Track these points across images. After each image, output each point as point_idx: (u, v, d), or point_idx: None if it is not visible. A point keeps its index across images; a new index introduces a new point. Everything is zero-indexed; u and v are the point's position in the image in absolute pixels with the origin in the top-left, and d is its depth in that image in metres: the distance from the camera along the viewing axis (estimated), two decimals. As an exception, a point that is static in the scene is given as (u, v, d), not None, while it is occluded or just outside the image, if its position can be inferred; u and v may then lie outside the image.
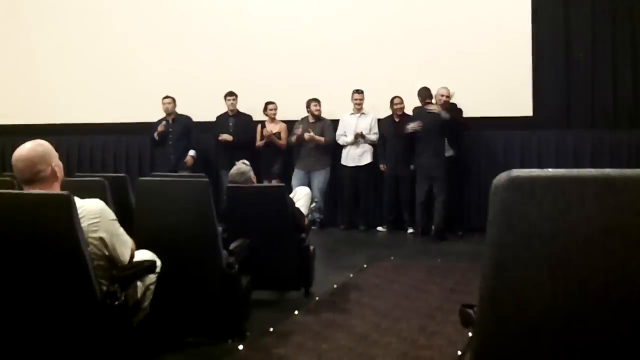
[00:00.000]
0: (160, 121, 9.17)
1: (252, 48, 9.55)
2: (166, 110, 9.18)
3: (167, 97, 9.22)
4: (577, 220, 1.44)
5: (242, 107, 9.30)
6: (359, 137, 8.69)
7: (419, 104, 8.33)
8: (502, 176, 1.47)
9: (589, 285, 1.46)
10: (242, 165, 5.35)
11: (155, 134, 9.10)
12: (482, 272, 1.54)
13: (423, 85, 8.28)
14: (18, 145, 3.08)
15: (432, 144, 8.01)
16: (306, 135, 8.76)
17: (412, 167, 8.42)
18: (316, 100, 8.92)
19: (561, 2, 8.43)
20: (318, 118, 8.97)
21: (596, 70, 8.31)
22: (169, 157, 9.10)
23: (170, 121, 9.19)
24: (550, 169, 1.47)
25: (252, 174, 5.35)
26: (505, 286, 1.50)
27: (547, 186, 1.45)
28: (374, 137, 8.80)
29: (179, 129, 9.16)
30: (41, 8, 10.49)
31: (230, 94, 9.21)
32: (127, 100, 9.98)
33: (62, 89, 10.30)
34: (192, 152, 9.14)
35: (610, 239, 1.44)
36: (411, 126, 8.09)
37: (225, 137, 9.01)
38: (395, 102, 8.65)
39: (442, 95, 8.13)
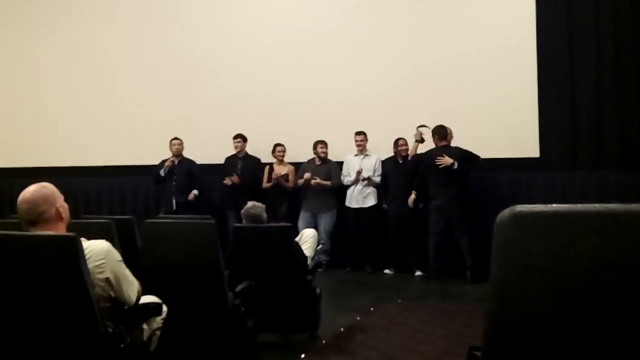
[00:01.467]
0: (164, 161, 9.24)
1: (260, 91, 9.66)
2: (176, 152, 9.28)
3: (176, 138, 9.32)
4: (580, 254, 1.45)
5: (250, 149, 9.36)
6: (359, 176, 8.72)
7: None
8: (506, 212, 1.49)
9: (594, 320, 1.46)
10: (256, 204, 5.39)
11: (162, 171, 9.17)
12: (486, 308, 1.55)
13: (440, 124, 8.31)
14: (25, 187, 3.11)
15: (451, 184, 8.06)
16: (313, 182, 8.80)
17: (420, 206, 8.44)
18: (322, 142, 8.99)
19: (566, 43, 8.48)
20: (324, 160, 9.02)
21: (602, 111, 8.33)
22: (171, 197, 9.16)
23: (176, 162, 9.26)
24: (554, 204, 1.48)
25: (265, 214, 5.37)
26: (510, 321, 1.51)
27: (550, 220, 1.46)
28: (377, 178, 8.83)
29: (183, 170, 9.24)
30: (50, 49, 10.66)
31: (237, 136, 9.30)
32: (133, 142, 10.11)
33: (68, 131, 10.46)
34: (195, 191, 9.23)
35: (613, 273, 1.44)
36: (446, 160, 8.08)
37: (233, 178, 9.04)
38: (400, 144, 8.70)
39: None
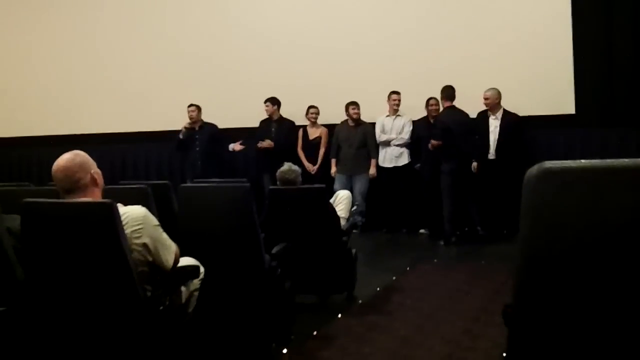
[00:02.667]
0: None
1: (290, 52, 9.66)
2: (191, 118, 9.30)
3: (191, 105, 9.34)
4: (610, 210, 1.44)
5: (284, 112, 9.37)
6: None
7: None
8: (534, 168, 1.48)
9: (623, 277, 1.46)
10: (293, 165, 5.43)
11: (180, 134, 9.25)
12: (516, 265, 1.56)
13: (448, 84, 8.30)
14: (58, 156, 3.16)
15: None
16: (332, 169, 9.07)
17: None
18: (354, 103, 8.94)
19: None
20: (357, 122, 8.99)
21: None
22: (196, 163, 9.22)
23: (197, 128, 9.30)
24: (582, 160, 1.47)
25: (300, 178, 5.41)
26: (538, 278, 1.51)
27: (579, 176, 1.46)
28: (405, 135, 8.85)
29: (206, 136, 9.28)
30: (77, 18, 10.77)
31: (267, 100, 9.29)
32: (157, 108, 10.18)
33: (91, 99, 10.60)
34: (236, 145, 9.28)
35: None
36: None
37: (266, 143, 9.07)
38: (431, 103, 8.64)
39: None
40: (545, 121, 8.45)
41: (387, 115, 8.96)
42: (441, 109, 8.44)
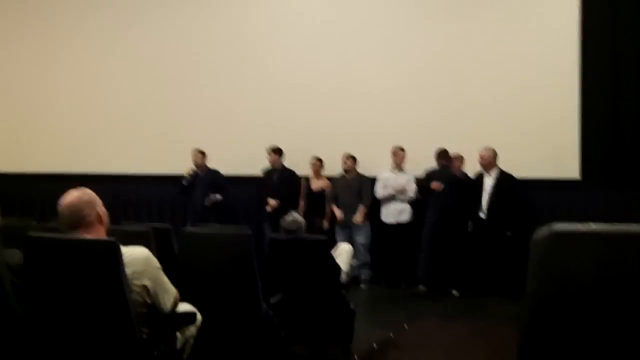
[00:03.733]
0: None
1: (295, 102, 9.76)
2: (195, 163, 9.35)
3: (197, 149, 9.40)
4: (618, 274, 1.45)
5: (287, 162, 9.42)
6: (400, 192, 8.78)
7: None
8: (544, 229, 1.49)
9: (628, 340, 1.45)
10: (297, 215, 5.42)
11: (184, 180, 9.30)
12: (520, 324, 1.55)
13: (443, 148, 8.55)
14: (61, 193, 3.20)
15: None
16: (337, 213, 9.01)
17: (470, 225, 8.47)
18: (348, 156, 9.05)
19: (609, 57, 8.40)
20: (355, 174, 9.06)
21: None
22: (196, 207, 9.25)
23: (200, 173, 9.36)
24: (592, 224, 1.48)
25: (304, 227, 5.40)
26: (545, 339, 1.50)
27: (589, 240, 1.46)
28: (411, 193, 8.82)
29: (207, 180, 9.32)
30: (85, 63, 10.88)
31: (269, 149, 9.34)
32: (163, 151, 10.26)
33: (96, 139, 10.69)
34: (217, 195, 9.27)
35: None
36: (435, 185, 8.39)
37: (273, 203, 9.11)
38: (459, 159, 8.77)
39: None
40: (548, 184, 8.45)
41: (390, 171, 8.97)
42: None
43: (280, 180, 9.29)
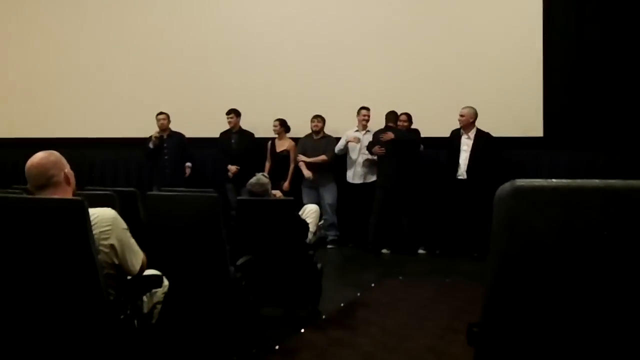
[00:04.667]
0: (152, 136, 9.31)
1: (255, 62, 9.71)
2: (161, 127, 9.30)
3: (161, 113, 9.35)
4: (580, 229, 1.47)
5: (245, 123, 9.41)
6: (355, 142, 8.77)
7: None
8: (506, 186, 1.50)
9: (593, 295, 1.48)
10: (262, 177, 5.40)
11: (151, 143, 9.22)
12: (485, 282, 1.56)
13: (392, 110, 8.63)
14: (25, 159, 3.18)
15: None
16: (301, 160, 8.97)
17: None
18: (317, 116, 9.04)
19: (573, 15, 8.44)
20: (322, 135, 9.06)
21: (608, 87, 8.29)
22: (165, 171, 9.23)
23: (165, 137, 9.32)
24: (554, 180, 1.49)
25: (270, 188, 5.39)
26: (509, 297, 1.52)
27: (551, 195, 1.47)
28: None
29: (174, 144, 9.31)
30: (56, 22, 10.70)
31: (229, 111, 9.31)
32: (124, 115, 10.18)
33: (59, 103, 10.59)
34: (188, 164, 9.35)
35: (614, 248, 1.46)
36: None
37: (234, 169, 9.16)
38: (402, 119, 8.64)
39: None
40: (514, 142, 8.52)
41: (356, 130, 8.96)
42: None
43: (239, 143, 9.30)
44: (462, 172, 8.25)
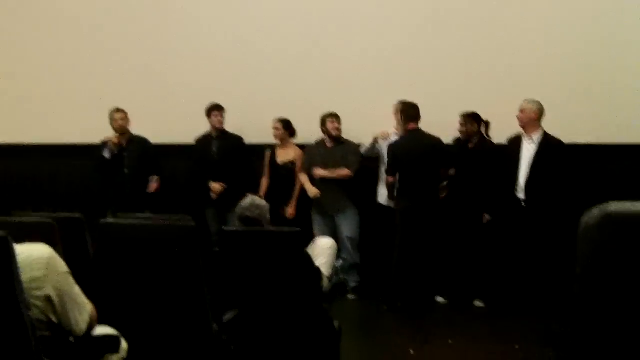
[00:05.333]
0: (106, 142, 9.19)
1: (245, 48, 9.78)
2: (118, 129, 9.19)
3: (118, 110, 9.24)
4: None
5: (231, 126, 9.45)
6: (384, 137, 8.76)
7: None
8: (595, 211, 1.51)
9: None
10: (257, 199, 5.42)
11: (106, 151, 9.11)
12: (565, 322, 1.57)
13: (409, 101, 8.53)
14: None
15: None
16: (319, 174, 8.87)
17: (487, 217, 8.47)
18: (333, 116, 8.93)
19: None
20: (338, 140, 8.99)
21: None
22: (123, 190, 9.16)
23: (124, 143, 9.23)
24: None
25: (268, 216, 5.40)
26: (603, 354, 1.53)
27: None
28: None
29: (136, 154, 9.20)
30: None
31: (214, 108, 9.30)
32: (65, 114, 10.23)
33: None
34: (155, 177, 9.24)
35: None
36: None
37: (216, 188, 9.13)
38: (460, 122, 8.62)
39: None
40: (599, 151, 8.55)
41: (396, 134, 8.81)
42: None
43: (222, 151, 9.29)
44: (520, 189, 8.18)
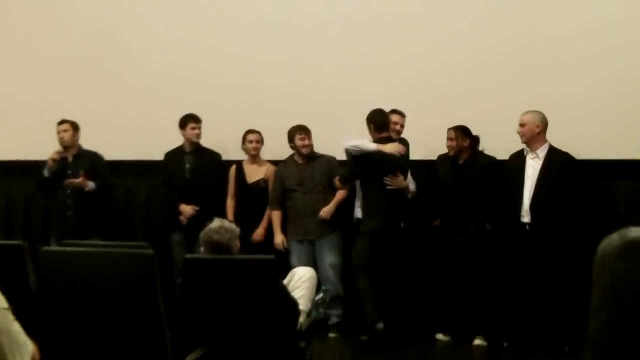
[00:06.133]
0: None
1: (217, 60, 9.80)
2: (62, 142, 9.11)
3: (62, 122, 9.16)
4: None
5: (207, 140, 9.35)
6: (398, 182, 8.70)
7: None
8: (614, 237, 1.51)
9: None
10: (226, 222, 5.40)
11: (46, 170, 9.02)
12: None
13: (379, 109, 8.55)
14: None
15: None
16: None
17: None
18: (302, 129, 8.90)
19: None
20: (310, 157, 8.96)
21: None
22: (66, 212, 9.06)
23: (70, 158, 9.15)
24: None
25: (237, 241, 5.38)
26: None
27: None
28: (412, 186, 8.74)
29: (82, 169, 9.02)
30: None
31: (193, 118, 9.18)
32: (7, 128, 10.18)
33: None
34: (91, 184, 8.94)
35: None
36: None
37: (186, 210, 9.00)
38: (449, 136, 8.62)
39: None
40: (616, 168, 8.58)
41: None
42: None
43: (197, 169, 9.22)
44: (525, 212, 8.13)
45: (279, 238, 8.86)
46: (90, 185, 8.91)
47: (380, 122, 8.43)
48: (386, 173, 8.32)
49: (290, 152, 9.05)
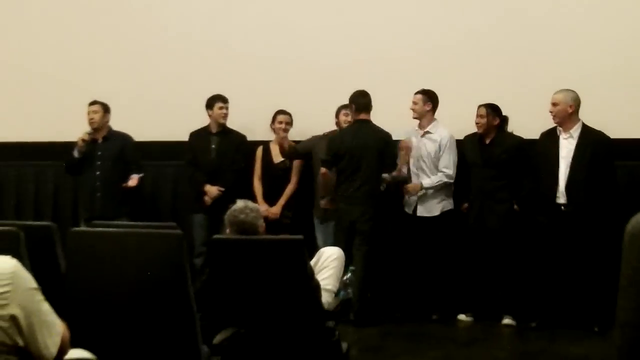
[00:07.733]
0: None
1: (244, 38, 9.84)
2: (91, 123, 9.16)
3: (92, 103, 9.22)
4: None
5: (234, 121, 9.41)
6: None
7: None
8: (638, 220, 1.50)
9: None
10: (249, 203, 5.39)
11: (76, 151, 9.09)
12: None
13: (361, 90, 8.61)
14: None
15: None
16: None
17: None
18: (347, 106, 8.86)
19: None
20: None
21: None
22: (95, 194, 9.15)
23: (100, 140, 9.22)
24: None
25: (261, 221, 5.37)
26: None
27: None
28: (448, 171, 8.71)
29: (113, 152, 9.17)
30: None
31: (221, 98, 9.22)
32: (38, 110, 10.31)
33: None
34: (134, 175, 9.07)
35: None
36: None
37: (211, 192, 9.05)
38: (479, 114, 8.58)
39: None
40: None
41: (416, 129, 8.88)
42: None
43: (223, 150, 9.27)
44: (560, 194, 8.08)
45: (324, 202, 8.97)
46: (135, 176, 9.08)
47: (360, 104, 8.55)
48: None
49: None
